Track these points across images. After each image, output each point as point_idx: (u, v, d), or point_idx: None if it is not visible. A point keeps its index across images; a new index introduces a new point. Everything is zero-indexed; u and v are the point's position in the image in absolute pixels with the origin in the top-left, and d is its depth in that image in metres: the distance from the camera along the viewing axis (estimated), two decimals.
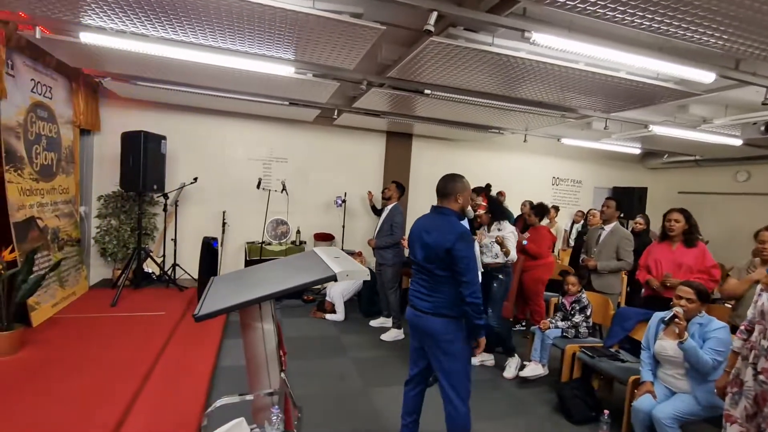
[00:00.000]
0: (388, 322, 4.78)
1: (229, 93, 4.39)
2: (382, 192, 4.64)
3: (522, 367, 3.53)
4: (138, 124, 4.77)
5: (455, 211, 2.20)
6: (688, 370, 2.38)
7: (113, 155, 5.00)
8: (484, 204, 3.66)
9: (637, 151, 6.44)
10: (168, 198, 5.06)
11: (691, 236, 3.21)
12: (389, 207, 4.52)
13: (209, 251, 4.27)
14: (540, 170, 7.58)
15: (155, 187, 4.64)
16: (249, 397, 1.68)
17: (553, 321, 3.56)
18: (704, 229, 6.41)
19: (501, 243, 3.47)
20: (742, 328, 2.09)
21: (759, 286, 2.06)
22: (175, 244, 5.28)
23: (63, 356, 3.03)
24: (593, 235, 3.96)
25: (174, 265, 5.25)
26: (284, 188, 5.37)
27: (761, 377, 1.87)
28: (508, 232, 3.56)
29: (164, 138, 4.77)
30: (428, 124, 5.31)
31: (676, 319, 2.37)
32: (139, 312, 4.03)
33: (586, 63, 2.85)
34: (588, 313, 3.48)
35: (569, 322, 3.48)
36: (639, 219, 5.47)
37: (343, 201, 5.82)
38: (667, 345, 2.48)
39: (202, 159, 5.57)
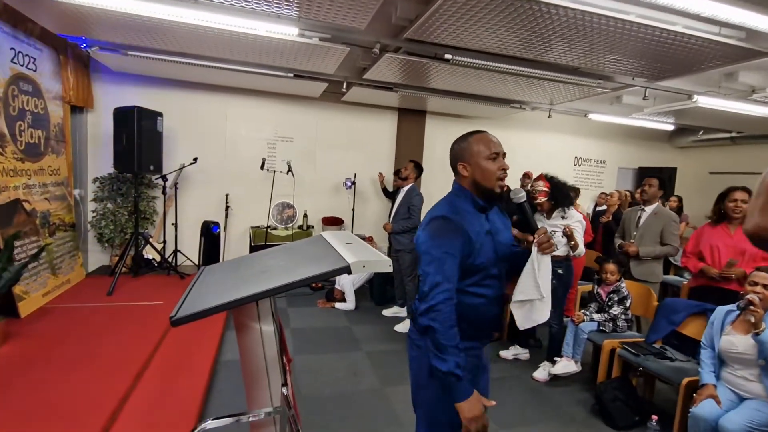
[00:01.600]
0: (402, 311, 4.47)
1: (228, 63, 4.01)
2: (398, 172, 4.27)
3: (552, 363, 3.21)
4: (134, 101, 4.42)
5: (465, 187, 1.46)
6: (764, 369, 2.02)
7: (108, 134, 4.67)
8: (546, 189, 3.12)
9: (671, 128, 5.96)
10: (167, 180, 4.74)
11: None
12: (406, 188, 4.16)
13: (210, 236, 3.98)
14: (561, 149, 7.12)
15: (152, 167, 4.32)
16: (246, 418, 1.37)
17: (587, 313, 3.21)
18: None
19: (570, 235, 2.98)
20: None
21: None
22: (176, 229, 5.00)
23: (50, 350, 2.76)
24: (631, 218, 3.57)
25: (175, 251, 4.98)
26: (290, 169, 5.03)
27: None
28: (575, 221, 3.07)
29: (160, 115, 4.43)
30: (444, 98, 4.89)
31: (752, 307, 2.01)
32: (136, 302, 3.77)
33: (638, 15, 2.43)
34: (627, 305, 3.12)
35: (606, 315, 3.13)
36: (674, 198, 5.05)
37: (353, 183, 5.46)
38: (737, 340, 2.12)
39: (202, 138, 5.24)
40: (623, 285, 3.15)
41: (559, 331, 3.27)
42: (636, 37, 2.68)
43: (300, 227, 5.48)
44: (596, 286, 3.30)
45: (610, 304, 3.16)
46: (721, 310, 2.28)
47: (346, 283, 4.59)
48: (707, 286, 2.99)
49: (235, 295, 1.26)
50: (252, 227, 5.35)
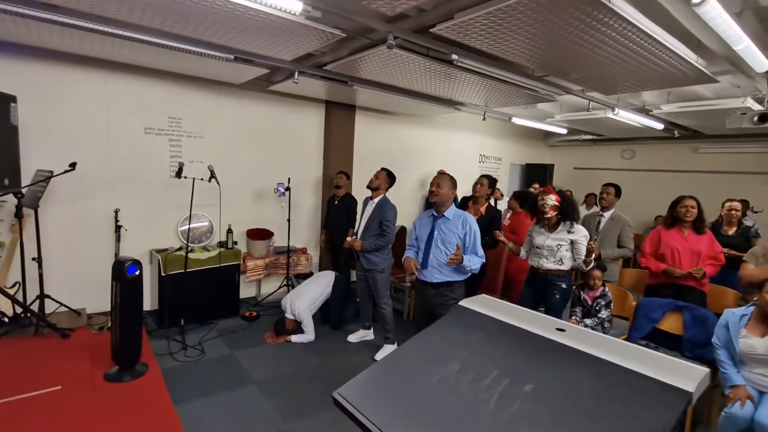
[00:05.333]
0: (369, 334, 4.03)
1: (128, 30, 2.79)
2: (369, 181, 3.71)
3: None
4: None
5: None
6: None
7: None
8: (557, 203, 3.02)
9: (564, 131, 6.77)
10: (22, 196, 3.20)
11: (701, 223, 3.28)
12: (376, 200, 3.66)
13: (126, 282, 2.80)
14: (469, 147, 7.47)
15: (7, 182, 2.82)
16: None
17: (579, 319, 3.35)
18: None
19: (591, 251, 2.92)
20: None
21: None
22: (40, 266, 3.46)
23: None
24: (591, 222, 3.86)
25: (41, 297, 3.46)
26: (213, 176, 3.95)
27: None
28: (582, 235, 3.02)
29: (14, 99, 2.91)
30: (391, 95, 4.47)
31: None
32: (12, 395, 2.42)
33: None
34: (611, 307, 3.37)
35: (596, 319, 3.32)
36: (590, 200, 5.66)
37: (287, 188, 4.65)
38: (755, 342, 2.38)
39: (72, 135, 3.69)
40: (607, 289, 3.38)
41: None
42: (635, 55, 2.76)
43: (222, 245, 4.42)
44: (581, 292, 3.47)
45: (597, 308, 3.35)
46: (734, 314, 2.54)
47: (303, 310, 3.88)
48: (665, 283, 3.41)
49: None
50: (156, 251, 4.08)
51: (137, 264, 2.89)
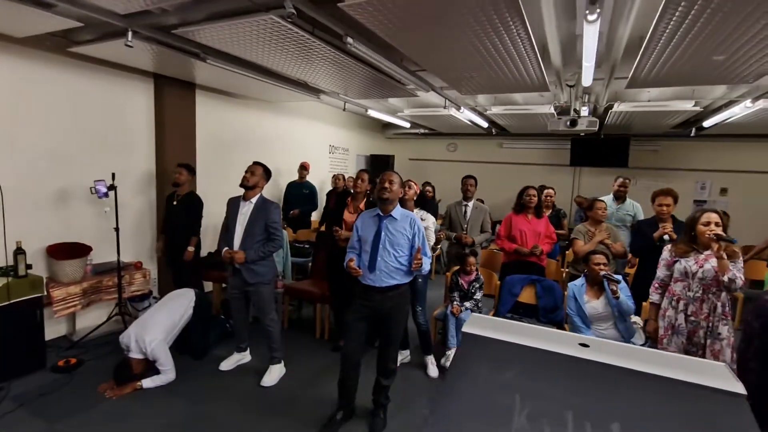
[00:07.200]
0: (245, 356, 3.46)
1: None
2: (243, 179, 3.06)
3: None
4: None
5: None
6: (618, 319, 2.95)
7: None
8: (416, 189, 3.39)
9: (408, 125, 7.21)
10: None
11: (540, 209, 3.94)
12: (254, 200, 3.09)
13: None
14: (320, 138, 7.24)
15: None
16: None
17: (459, 303, 3.60)
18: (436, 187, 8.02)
19: (440, 238, 3.29)
20: (656, 285, 2.76)
21: (668, 251, 2.74)
22: None
23: None
24: (457, 212, 4.18)
25: None
26: None
27: (691, 318, 2.57)
28: (431, 222, 3.28)
29: None
30: (254, 76, 3.86)
31: (613, 281, 2.86)
32: None
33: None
34: (483, 289, 3.73)
35: (473, 301, 3.62)
36: (429, 187, 6.22)
37: (111, 187, 3.51)
38: (596, 304, 2.97)
39: None
40: (479, 273, 3.73)
41: (428, 329, 3.52)
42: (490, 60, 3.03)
43: (9, 272, 3.04)
44: (457, 277, 3.73)
45: (473, 291, 3.66)
46: (576, 285, 3.07)
47: (158, 344, 3.03)
48: (517, 261, 3.98)
49: None
50: None
51: None
